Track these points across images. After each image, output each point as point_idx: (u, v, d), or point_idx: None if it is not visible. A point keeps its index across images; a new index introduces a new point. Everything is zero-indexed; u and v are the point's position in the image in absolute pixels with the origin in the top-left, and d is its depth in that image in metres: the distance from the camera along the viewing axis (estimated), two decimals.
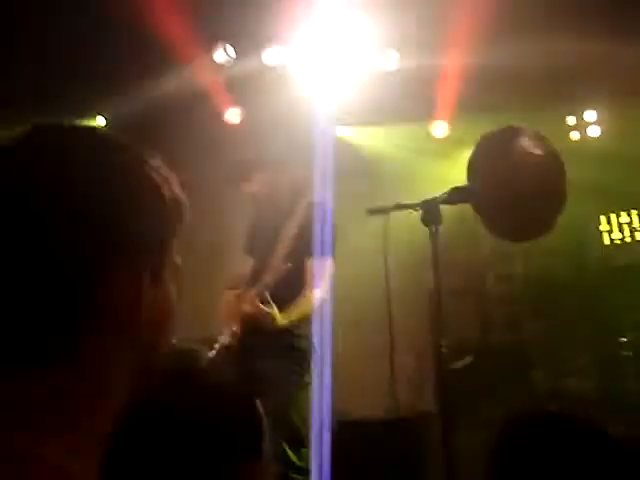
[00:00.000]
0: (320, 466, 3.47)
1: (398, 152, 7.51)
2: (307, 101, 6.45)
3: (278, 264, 3.59)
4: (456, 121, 7.10)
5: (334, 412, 7.21)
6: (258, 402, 1.32)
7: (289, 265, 3.55)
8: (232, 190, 3.87)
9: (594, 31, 5.44)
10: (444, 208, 3.02)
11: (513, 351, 7.05)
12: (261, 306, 3.49)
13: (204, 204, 7.46)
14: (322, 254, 3.64)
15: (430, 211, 2.70)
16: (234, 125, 6.69)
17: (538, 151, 2.75)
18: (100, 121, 6.98)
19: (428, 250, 2.78)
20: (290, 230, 3.66)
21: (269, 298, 3.49)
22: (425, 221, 2.71)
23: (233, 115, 6.81)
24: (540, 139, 2.78)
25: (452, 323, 7.21)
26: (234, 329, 3.54)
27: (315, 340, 3.69)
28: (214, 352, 3.51)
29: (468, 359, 6.71)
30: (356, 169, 7.94)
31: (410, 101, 6.76)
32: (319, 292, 3.61)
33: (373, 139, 7.59)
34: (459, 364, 6.73)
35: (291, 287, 3.59)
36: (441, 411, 2.63)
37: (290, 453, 3.54)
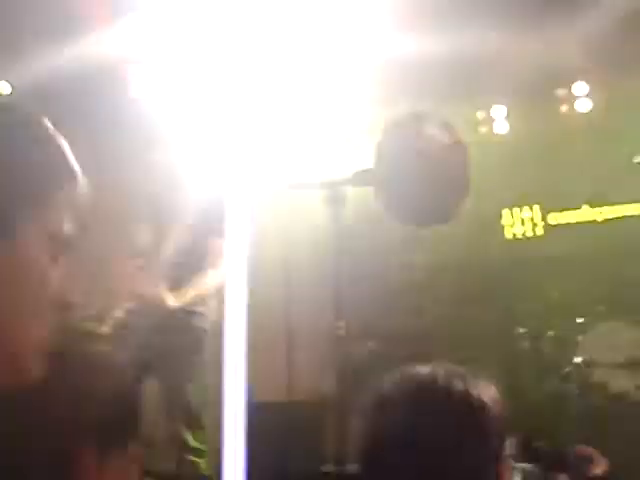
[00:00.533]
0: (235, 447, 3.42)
1: None
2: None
3: (176, 241, 3.50)
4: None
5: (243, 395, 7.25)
6: (139, 386, 1.26)
7: (188, 243, 3.46)
8: (137, 161, 3.73)
9: (504, 25, 5.53)
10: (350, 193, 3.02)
11: (416, 338, 7.15)
12: (151, 286, 3.37)
13: (109, 174, 7.32)
14: (228, 233, 3.55)
15: (333, 192, 2.68)
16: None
17: (443, 138, 2.77)
18: (4, 87, 6.69)
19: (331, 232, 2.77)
20: (192, 206, 3.57)
21: (161, 277, 3.38)
22: (328, 202, 2.69)
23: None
24: (445, 126, 2.80)
25: (356, 308, 7.30)
26: (129, 305, 3.43)
27: (220, 321, 3.61)
28: (106, 328, 3.39)
29: (371, 344, 6.77)
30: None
31: None
32: (220, 272, 3.52)
33: None
34: (362, 349, 6.79)
35: (190, 265, 3.50)
36: (337, 394, 2.62)
37: (186, 434, 3.47)
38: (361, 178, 2.77)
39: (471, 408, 1.39)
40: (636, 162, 4.91)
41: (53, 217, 0.97)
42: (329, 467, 5.39)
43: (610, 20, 5.67)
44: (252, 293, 7.25)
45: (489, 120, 7.76)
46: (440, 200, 2.79)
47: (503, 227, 7.78)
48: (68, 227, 0.99)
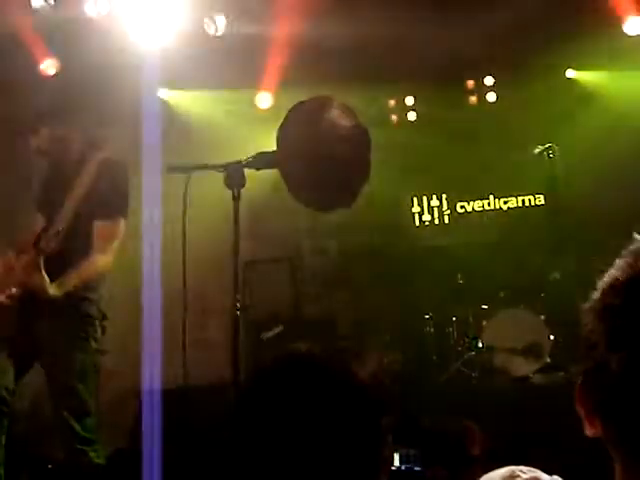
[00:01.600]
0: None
1: (222, 118, 7.43)
2: (129, 58, 6.23)
3: (60, 226, 3.40)
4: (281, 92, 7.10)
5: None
6: None
7: (72, 227, 3.37)
8: (23, 142, 3.59)
9: (414, 12, 5.61)
10: (263, 177, 3.00)
11: (323, 322, 7.21)
12: (32, 275, 3.27)
13: None
14: (113, 216, 3.48)
15: (234, 174, 2.66)
16: (46, 75, 6.34)
17: (345, 122, 2.78)
18: None
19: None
20: (77, 189, 3.47)
21: (42, 265, 3.27)
22: (228, 184, 2.67)
23: (48, 66, 6.47)
24: (348, 110, 2.82)
25: (266, 292, 7.34)
26: (12, 290, 3.33)
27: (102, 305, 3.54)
28: None
29: (278, 329, 6.78)
30: (177, 132, 7.80)
31: (236, 69, 6.69)
32: (106, 257, 3.45)
33: (196, 104, 7.46)
34: (270, 333, 6.80)
35: (75, 250, 3.40)
36: (234, 379, 2.62)
37: (74, 423, 3.38)
38: (263, 160, 2.76)
39: (348, 385, 1.39)
40: (536, 153, 5.06)
41: None
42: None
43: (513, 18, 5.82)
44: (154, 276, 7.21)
45: (402, 108, 7.87)
46: (341, 183, 2.80)
47: (412, 214, 7.90)
48: None
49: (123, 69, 6.59)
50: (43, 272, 3.27)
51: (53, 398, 3.49)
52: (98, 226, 3.44)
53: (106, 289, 3.57)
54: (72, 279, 3.36)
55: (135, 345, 7.31)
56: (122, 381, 7.27)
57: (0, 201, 6.72)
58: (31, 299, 3.33)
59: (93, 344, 3.50)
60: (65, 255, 3.36)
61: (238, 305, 2.63)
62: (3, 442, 3.45)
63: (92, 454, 3.44)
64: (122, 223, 3.51)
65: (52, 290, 3.29)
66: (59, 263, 3.35)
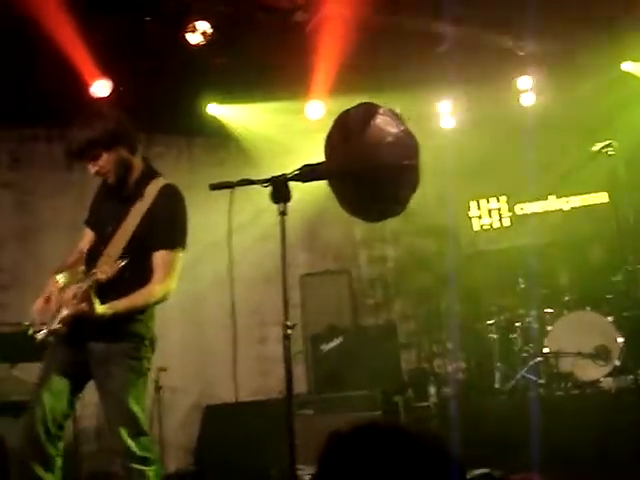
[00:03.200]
0: None
1: (272, 130, 7.42)
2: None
3: (115, 251, 3.39)
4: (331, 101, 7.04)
5: (203, 397, 7.21)
6: None
7: (126, 257, 3.35)
8: (78, 165, 3.59)
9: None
10: (316, 186, 2.94)
11: (382, 332, 7.10)
12: (83, 297, 3.25)
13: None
14: (173, 247, 3.45)
15: (279, 188, 2.60)
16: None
17: (392, 128, 2.70)
18: None
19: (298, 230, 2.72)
20: (136, 216, 3.46)
21: (93, 291, 3.26)
22: (274, 198, 2.61)
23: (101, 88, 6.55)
24: (395, 116, 2.74)
25: (324, 304, 7.29)
26: (64, 313, 3.33)
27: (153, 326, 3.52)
28: (43, 335, 3.29)
29: (338, 340, 6.71)
30: (226, 146, 7.83)
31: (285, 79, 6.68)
32: (164, 286, 3.41)
33: (246, 117, 7.46)
34: (330, 345, 6.74)
35: (132, 277, 3.38)
36: (287, 395, 2.55)
37: (130, 442, 3.36)
38: (309, 172, 2.69)
39: (432, 453, 1.37)
40: (595, 150, 4.88)
41: None
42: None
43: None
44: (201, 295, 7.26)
45: (455, 110, 7.75)
46: (389, 192, 2.72)
47: (471, 218, 7.77)
48: None
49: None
50: (92, 294, 3.26)
51: (108, 418, 3.48)
52: (159, 254, 3.41)
53: (154, 309, 3.55)
54: (123, 304, 3.34)
55: (193, 361, 7.39)
56: (183, 398, 7.30)
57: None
58: (83, 322, 3.33)
59: (145, 364, 3.48)
60: (120, 280, 3.34)
61: (288, 323, 2.56)
62: (60, 464, 3.45)
63: (150, 473, 3.41)
64: (181, 254, 3.48)
65: (101, 311, 3.27)
66: (113, 287, 3.34)
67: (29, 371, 4.83)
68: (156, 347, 3.53)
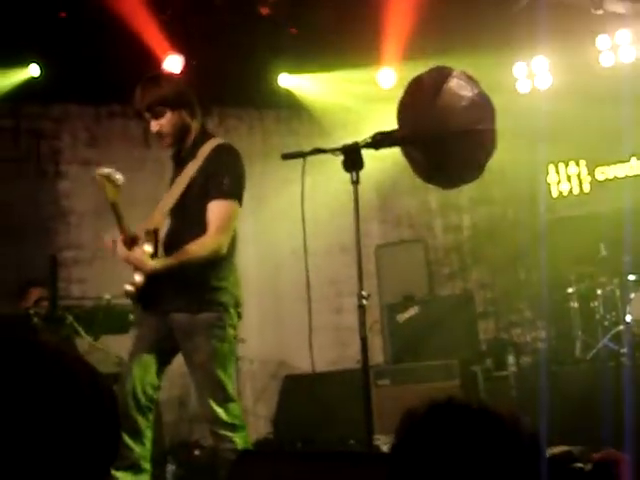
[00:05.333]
0: None
1: (344, 99, 7.36)
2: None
3: (167, 205, 3.45)
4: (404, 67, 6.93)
5: (282, 367, 7.29)
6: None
7: (181, 206, 3.43)
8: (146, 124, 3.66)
9: None
10: (389, 155, 2.90)
11: (459, 301, 7.01)
12: (133, 251, 3.33)
13: None
14: (227, 197, 3.48)
15: (351, 156, 2.56)
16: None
17: (466, 92, 2.63)
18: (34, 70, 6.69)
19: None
20: (189, 170, 3.51)
21: (146, 241, 3.33)
22: (346, 166, 2.57)
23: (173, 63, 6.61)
24: (469, 79, 2.66)
25: (399, 274, 7.23)
26: (137, 279, 3.40)
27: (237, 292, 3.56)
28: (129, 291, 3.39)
29: (414, 310, 6.66)
30: (298, 116, 7.83)
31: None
32: (219, 237, 3.43)
33: (317, 86, 7.42)
34: (406, 315, 6.69)
35: (186, 229, 3.43)
36: (363, 365, 2.54)
37: (218, 409, 3.43)
38: (381, 139, 2.64)
39: (511, 433, 1.34)
40: None
41: None
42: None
43: None
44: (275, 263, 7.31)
45: (530, 74, 7.53)
46: (465, 158, 2.65)
47: (549, 184, 7.57)
48: None
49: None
50: (145, 246, 3.32)
51: (196, 386, 3.56)
52: (211, 206, 3.44)
53: (239, 276, 3.59)
54: (175, 257, 3.38)
55: (271, 332, 7.46)
56: (262, 368, 7.39)
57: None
58: (166, 295, 3.43)
59: (231, 331, 3.52)
60: (177, 234, 3.40)
61: (363, 293, 2.53)
62: (150, 436, 3.53)
63: (237, 440, 3.46)
64: (237, 205, 3.49)
65: (152, 264, 3.31)
66: (171, 243, 3.41)
67: (112, 344, 4.96)
68: (242, 315, 3.58)
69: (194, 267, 3.42)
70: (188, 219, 3.45)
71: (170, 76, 3.77)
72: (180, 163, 3.64)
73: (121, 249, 3.40)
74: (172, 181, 3.63)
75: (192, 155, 3.58)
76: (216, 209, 3.44)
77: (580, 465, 1.58)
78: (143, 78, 3.67)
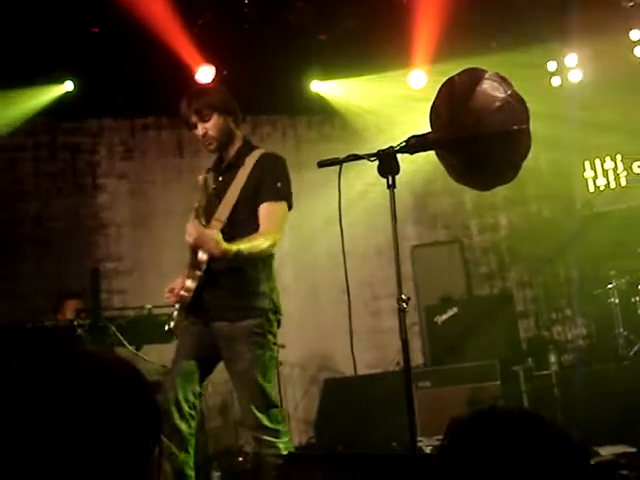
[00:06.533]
0: None
1: (376, 102, 7.37)
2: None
3: (224, 215, 3.51)
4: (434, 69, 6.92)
5: (321, 371, 7.31)
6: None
7: (234, 213, 3.50)
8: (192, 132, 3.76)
9: None
10: (423, 157, 2.91)
11: (498, 301, 6.97)
12: (205, 230, 3.40)
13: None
14: (276, 199, 3.54)
15: (386, 161, 2.57)
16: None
17: (499, 93, 2.62)
18: (69, 86, 6.81)
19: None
20: (240, 177, 3.58)
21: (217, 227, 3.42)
22: (382, 171, 2.59)
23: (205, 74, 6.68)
24: (501, 80, 2.65)
25: (436, 275, 7.22)
26: (190, 285, 3.47)
27: (276, 299, 3.60)
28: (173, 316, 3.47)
29: (452, 311, 6.63)
30: (331, 121, 7.86)
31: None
32: (266, 236, 3.49)
33: (349, 91, 7.43)
34: (444, 316, 6.67)
35: (240, 234, 3.49)
36: (405, 368, 2.54)
37: (260, 415, 3.46)
38: (416, 143, 2.65)
39: (554, 437, 1.34)
40: None
41: None
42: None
43: None
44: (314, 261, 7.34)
45: (563, 70, 7.48)
46: (500, 159, 2.65)
47: (586, 180, 7.51)
48: None
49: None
50: (216, 234, 3.38)
51: (238, 393, 3.60)
52: (265, 207, 3.52)
53: (277, 282, 3.63)
54: (243, 242, 3.43)
55: (310, 336, 7.48)
56: (302, 373, 7.42)
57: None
58: (209, 302, 3.49)
59: (271, 339, 3.55)
60: (230, 240, 3.46)
61: (403, 297, 2.54)
62: (193, 443, 3.58)
63: (280, 445, 3.49)
64: (286, 206, 3.57)
65: (225, 245, 3.35)
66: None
67: (153, 353, 5.01)
68: (281, 321, 3.61)
69: (249, 262, 3.48)
70: (240, 225, 3.51)
71: (217, 86, 3.91)
72: (223, 172, 3.70)
73: (195, 225, 3.43)
74: (217, 190, 3.69)
75: (238, 164, 3.66)
76: (270, 209, 3.52)
77: (626, 472, 1.58)
78: (190, 89, 3.79)
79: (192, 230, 3.43)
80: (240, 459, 6.11)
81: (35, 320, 4.90)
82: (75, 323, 4.78)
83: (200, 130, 3.67)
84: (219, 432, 6.74)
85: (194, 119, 3.67)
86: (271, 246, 3.51)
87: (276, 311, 3.60)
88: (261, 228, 3.50)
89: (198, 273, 3.51)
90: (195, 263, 3.51)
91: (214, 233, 3.42)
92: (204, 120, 3.65)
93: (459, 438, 1.40)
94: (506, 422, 1.38)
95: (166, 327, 3.59)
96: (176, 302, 3.54)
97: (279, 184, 3.58)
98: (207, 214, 3.61)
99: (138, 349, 5.06)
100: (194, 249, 3.51)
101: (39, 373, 1.13)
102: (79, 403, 1.10)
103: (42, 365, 1.14)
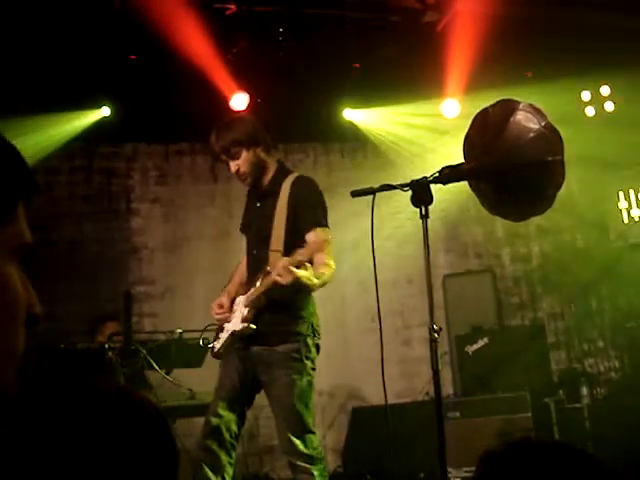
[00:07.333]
0: None
1: (408, 131, 7.38)
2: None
3: (280, 246, 3.53)
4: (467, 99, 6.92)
5: (350, 399, 7.26)
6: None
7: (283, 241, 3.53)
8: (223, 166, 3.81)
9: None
10: (458, 189, 2.91)
11: (529, 332, 6.90)
12: (297, 271, 3.37)
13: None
14: (318, 224, 3.56)
15: (420, 191, 2.58)
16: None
17: (533, 124, 2.62)
18: (105, 111, 6.91)
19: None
20: (279, 205, 3.61)
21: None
22: (415, 201, 2.59)
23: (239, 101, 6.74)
24: (535, 111, 2.65)
25: (468, 304, 7.17)
26: (248, 314, 3.53)
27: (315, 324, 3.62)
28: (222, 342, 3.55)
29: (483, 341, 6.57)
30: (364, 150, 7.88)
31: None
32: (327, 266, 3.50)
33: (381, 120, 7.46)
34: (475, 346, 6.62)
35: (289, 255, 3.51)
36: (435, 398, 2.53)
37: (295, 441, 3.45)
38: (449, 174, 2.66)
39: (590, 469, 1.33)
40: None
41: (15, 231, 0.94)
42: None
43: None
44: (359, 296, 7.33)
45: (598, 99, 7.45)
46: (534, 190, 2.64)
47: (620, 210, 7.44)
48: (28, 236, 0.97)
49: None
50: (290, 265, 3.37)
51: (275, 418, 3.60)
52: (313, 235, 3.53)
53: (315, 306, 3.65)
54: (313, 273, 3.42)
55: (337, 364, 7.45)
56: (330, 401, 7.38)
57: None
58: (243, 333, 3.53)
59: (309, 364, 3.56)
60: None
61: (435, 327, 2.53)
62: (231, 472, 3.58)
63: (315, 472, 3.48)
64: (329, 232, 3.59)
65: (298, 272, 3.33)
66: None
67: (183, 377, 5.03)
68: (320, 346, 3.62)
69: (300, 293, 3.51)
70: (289, 252, 3.51)
71: (241, 118, 3.93)
72: (261, 199, 3.74)
73: (288, 267, 3.40)
74: (255, 216, 3.73)
75: (274, 191, 3.69)
76: (320, 237, 3.54)
77: None
78: (216, 124, 3.81)
79: (286, 274, 3.38)
80: None
81: (68, 342, 4.95)
82: (106, 346, 4.82)
83: (232, 167, 3.72)
84: (245, 459, 6.71)
85: (224, 157, 3.71)
86: (328, 279, 3.53)
87: (315, 335, 3.62)
88: (318, 258, 3.51)
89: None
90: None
91: (304, 272, 3.40)
92: (234, 158, 3.70)
93: (492, 469, 1.38)
94: (540, 453, 1.36)
95: (209, 345, 3.63)
96: (225, 321, 3.60)
97: (321, 210, 3.62)
98: (250, 236, 3.69)
99: (168, 372, 5.08)
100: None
101: (65, 398, 1.14)
102: (102, 427, 1.10)
103: (68, 391, 1.15)
